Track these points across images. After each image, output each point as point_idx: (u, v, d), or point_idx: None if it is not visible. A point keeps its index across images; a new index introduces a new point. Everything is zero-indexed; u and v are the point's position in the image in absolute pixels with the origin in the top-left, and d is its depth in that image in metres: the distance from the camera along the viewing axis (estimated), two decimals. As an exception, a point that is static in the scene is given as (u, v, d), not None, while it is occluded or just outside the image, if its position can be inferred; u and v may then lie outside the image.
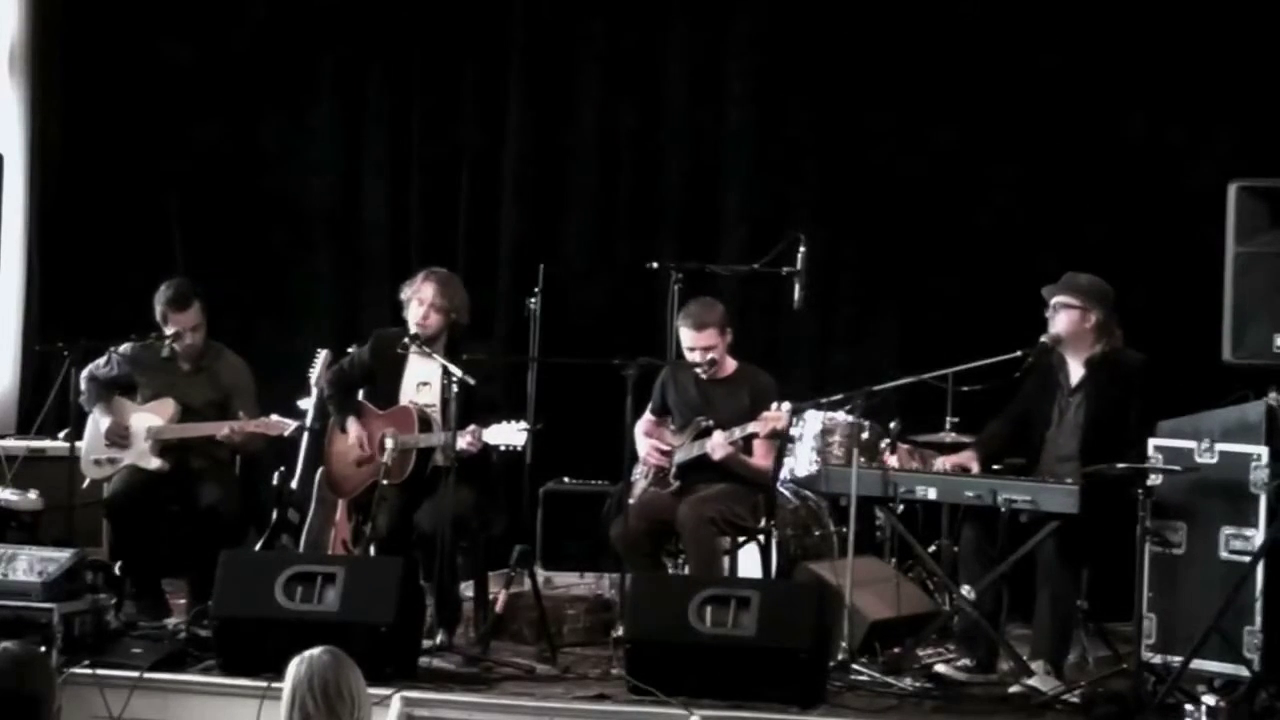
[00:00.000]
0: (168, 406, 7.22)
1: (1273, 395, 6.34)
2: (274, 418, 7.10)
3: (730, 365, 6.98)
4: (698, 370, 6.90)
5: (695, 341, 6.86)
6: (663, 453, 6.97)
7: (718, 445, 6.73)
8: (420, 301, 6.88)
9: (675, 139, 8.74)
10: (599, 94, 8.79)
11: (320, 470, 7.28)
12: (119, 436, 7.21)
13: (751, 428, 6.68)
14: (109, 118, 8.93)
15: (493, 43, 8.86)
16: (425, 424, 6.82)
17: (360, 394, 7.08)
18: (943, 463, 6.71)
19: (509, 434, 6.58)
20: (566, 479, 8.14)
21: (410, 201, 8.96)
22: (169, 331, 7.20)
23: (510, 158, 8.84)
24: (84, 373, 7.24)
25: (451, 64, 8.91)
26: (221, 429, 7.07)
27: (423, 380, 6.91)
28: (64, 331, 7.62)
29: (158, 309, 7.22)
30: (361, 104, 9.02)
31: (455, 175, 8.92)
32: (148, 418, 7.21)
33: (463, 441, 6.60)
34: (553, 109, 8.84)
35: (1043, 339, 6.60)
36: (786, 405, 6.70)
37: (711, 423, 6.85)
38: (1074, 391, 6.60)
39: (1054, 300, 6.58)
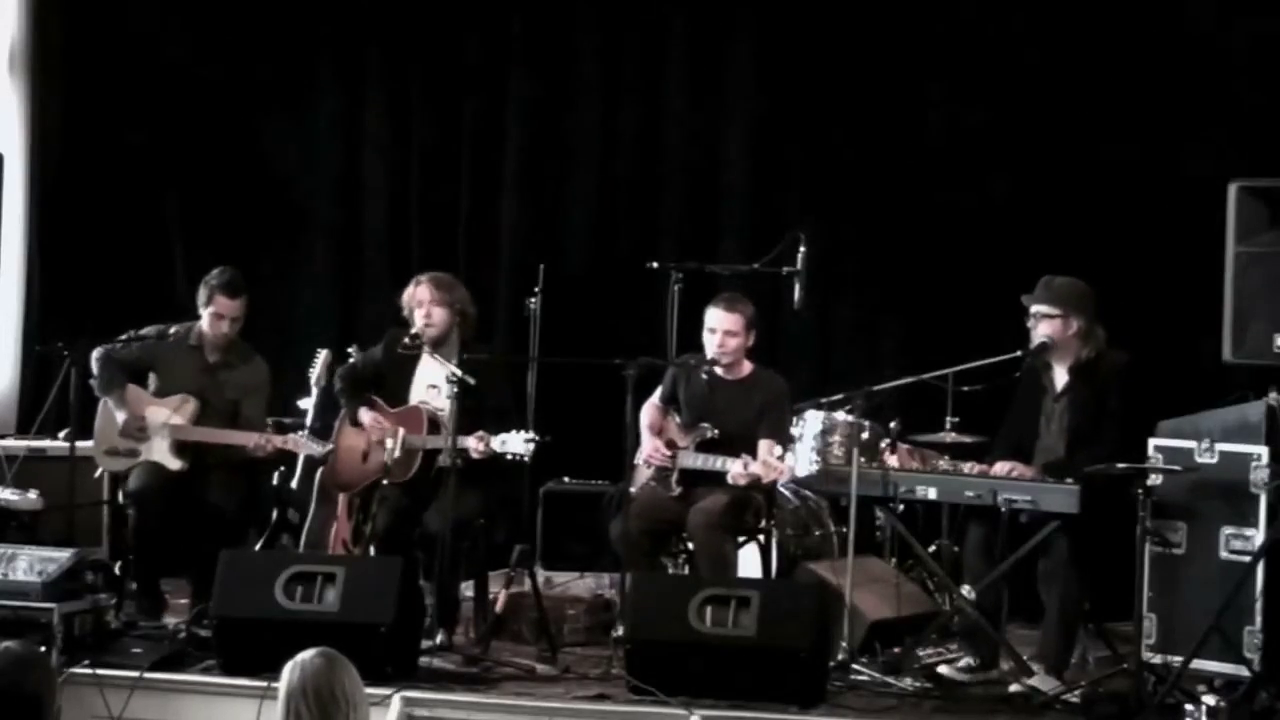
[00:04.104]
0: (188, 404, 7.10)
1: (1273, 395, 6.35)
2: (302, 438, 6.99)
3: (746, 367, 6.97)
4: (711, 368, 6.87)
5: (721, 323, 6.82)
6: (666, 453, 6.96)
7: (738, 475, 6.66)
8: (420, 304, 6.92)
9: (675, 138, 8.74)
10: (599, 93, 8.79)
11: (320, 470, 7.27)
12: (136, 429, 7.10)
13: (754, 469, 6.63)
14: (109, 118, 8.93)
15: (493, 43, 8.85)
16: (434, 426, 6.84)
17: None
18: (971, 466, 6.69)
19: (517, 444, 6.62)
20: (566, 479, 8.14)
21: (410, 201, 8.97)
22: (207, 314, 7.08)
23: (510, 158, 8.83)
24: (97, 353, 7.08)
25: (451, 64, 8.91)
26: (250, 440, 6.96)
27: (431, 383, 6.93)
28: (64, 331, 7.60)
29: (204, 290, 7.10)
30: (361, 104, 9.02)
31: (455, 175, 8.92)
32: (165, 413, 7.08)
33: (469, 443, 6.62)
34: (553, 109, 8.83)
35: (1035, 343, 6.58)
36: (790, 459, 6.73)
37: (716, 433, 6.84)
38: (1059, 397, 6.59)
39: (1034, 309, 6.56)
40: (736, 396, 6.93)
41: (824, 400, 7.20)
